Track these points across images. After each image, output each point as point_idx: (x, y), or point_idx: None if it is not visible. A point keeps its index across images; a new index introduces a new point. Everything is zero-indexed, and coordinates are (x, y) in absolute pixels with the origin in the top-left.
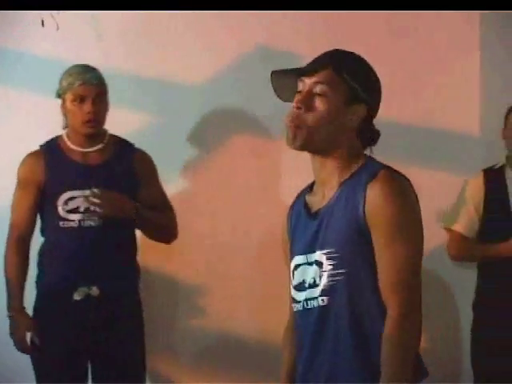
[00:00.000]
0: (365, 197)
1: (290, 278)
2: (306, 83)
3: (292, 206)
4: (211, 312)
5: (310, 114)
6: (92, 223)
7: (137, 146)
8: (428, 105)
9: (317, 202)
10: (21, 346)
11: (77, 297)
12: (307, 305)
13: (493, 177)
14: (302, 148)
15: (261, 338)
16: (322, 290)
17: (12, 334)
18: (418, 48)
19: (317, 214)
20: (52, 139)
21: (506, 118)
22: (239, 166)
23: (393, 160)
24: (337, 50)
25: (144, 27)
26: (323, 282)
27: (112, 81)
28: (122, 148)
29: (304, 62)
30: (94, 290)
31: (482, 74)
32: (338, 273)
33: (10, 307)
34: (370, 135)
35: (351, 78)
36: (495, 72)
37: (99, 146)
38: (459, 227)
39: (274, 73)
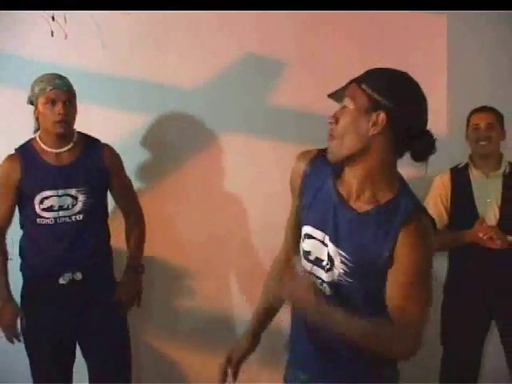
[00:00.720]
0: (396, 239)
1: (295, 226)
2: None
3: (310, 166)
4: (203, 293)
5: (338, 126)
6: (63, 219)
7: (141, 144)
8: None
9: (350, 199)
10: (10, 334)
11: (62, 281)
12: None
13: (458, 174)
14: (335, 159)
15: (248, 316)
16: (328, 283)
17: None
18: (391, 58)
19: (354, 211)
20: (27, 142)
21: (468, 120)
22: (234, 161)
23: None
24: (375, 68)
25: (144, 36)
26: (330, 276)
27: (115, 84)
28: (91, 144)
29: (288, 67)
30: (78, 275)
31: (449, 82)
32: (345, 279)
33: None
34: (414, 149)
35: (370, 88)
36: (461, 80)
37: (69, 146)
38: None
39: (329, 95)
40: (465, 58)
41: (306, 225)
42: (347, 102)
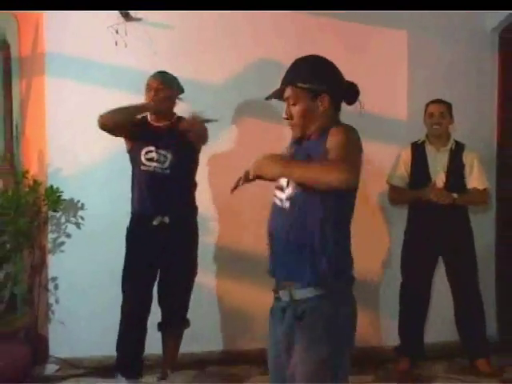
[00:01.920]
0: (326, 137)
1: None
2: (285, 101)
3: (291, 143)
4: (224, 235)
5: (294, 118)
6: (158, 169)
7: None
8: (373, 100)
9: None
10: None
11: (155, 223)
12: (277, 204)
13: (417, 148)
14: (301, 136)
15: (262, 253)
16: (286, 198)
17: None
18: (367, 59)
19: (300, 145)
20: (142, 117)
21: (425, 109)
22: (255, 135)
23: None
24: (294, 63)
25: (184, 44)
26: (288, 193)
27: None
28: (182, 124)
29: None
30: (166, 219)
31: (409, 79)
32: (297, 190)
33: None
34: (348, 99)
35: (305, 82)
36: (418, 77)
37: (166, 123)
38: (395, 182)
39: (267, 98)
40: (422, 63)
41: None
42: (293, 100)
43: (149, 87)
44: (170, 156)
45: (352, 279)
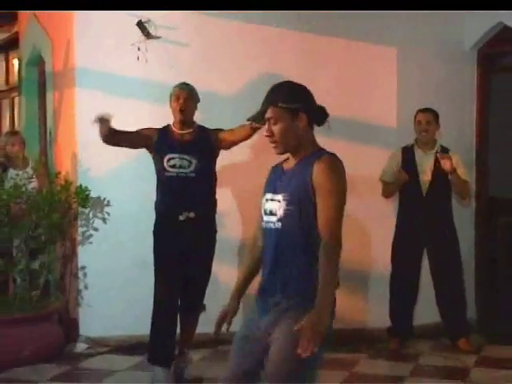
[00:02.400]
0: (312, 170)
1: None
2: (267, 121)
3: (272, 168)
4: (235, 229)
5: (276, 136)
6: (183, 174)
7: None
8: (366, 109)
9: (288, 167)
10: None
11: (181, 218)
12: (269, 225)
13: (407, 151)
14: (282, 153)
15: None
16: (278, 220)
17: None
18: (361, 73)
19: (285, 173)
20: (166, 126)
21: (415, 117)
22: (262, 140)
23: (350, 143)
24: (272, 88)
25: (197, 61)
26: (279, 213)
27: None
28: (204, 131)
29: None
30: (191, 214)
31: (398, 91)
32: (287, 208)
33: None
34: (318, 120)
35: (285, 103)
36: (407, 89)
37: (190, 130)
38: (387, 178)
39: (248, 119)
40: (410, 77)
41: (265, 194)
42: (274, 119)
43: (176, 97)
44: (194, 161)
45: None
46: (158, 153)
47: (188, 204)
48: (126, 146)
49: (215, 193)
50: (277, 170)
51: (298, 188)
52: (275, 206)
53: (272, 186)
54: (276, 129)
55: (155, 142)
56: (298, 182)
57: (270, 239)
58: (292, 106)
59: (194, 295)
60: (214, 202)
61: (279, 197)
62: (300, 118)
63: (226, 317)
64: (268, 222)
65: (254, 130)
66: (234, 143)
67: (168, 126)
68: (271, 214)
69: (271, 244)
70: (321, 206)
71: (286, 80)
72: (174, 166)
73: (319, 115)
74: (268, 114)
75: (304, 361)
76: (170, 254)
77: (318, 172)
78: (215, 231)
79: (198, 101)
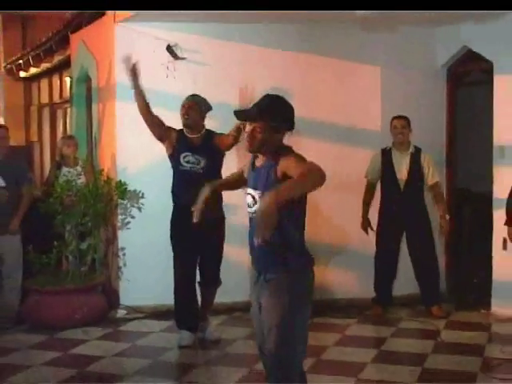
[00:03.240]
0: (278, 164)
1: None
2: (251, 125)
3: (250, 163)
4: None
5: (255, 139)
6: (194, 170)
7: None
8: (355, 117)
9: (258, 164)
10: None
11: (193, 208)
12: (250, 215)
13: (386, 152)
14: (253, 153)
15: None
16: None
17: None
18: (351, 87)
19: (256, 170)
20: (180, 129)
21: (391, 123)
22: None
23: (341, 145)
24: (267, 102)
25: (214, 77)
26: (256, 206)
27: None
28: (210, 135)
29: (294, 97)
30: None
31: (381, 102)
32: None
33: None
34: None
35: (274, 122)
36: (390, 100)
37: (198, 135)
38: (370, 177)
39: (235, 112)
40: (391, 90)
41: (248, 187)
42: (261, 130)
43: (182, 106)
44: (203, 161)
45: (312, 261)
46: (176, 150)
47: (197, 197)
48: (152, 128)
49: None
50: (250, 163)
51: (267, 184)
52: (251, 201)
53: (250, 181)
54: (259, 137)
55: (175, 141)
56: (266, 177)
57: (252, 226)
58: (278, 125)
59: (210, 272)
60: (220, 194)
61: (253, 192)
62: (281, 133)
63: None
64: (249, 213)
65: (238, 133)
66: (231, 145)
67: (183, 129)
68: (250, 207)
69: (251, 230)
70: (293, 172)
71: (278, 96)
72: (188, 162)
73: (292, 127)
74: (256, 124)
75: (293, 323)
76: (185, 240)
77: (284, 163)
78: (223, 217)
79: (207, 110)
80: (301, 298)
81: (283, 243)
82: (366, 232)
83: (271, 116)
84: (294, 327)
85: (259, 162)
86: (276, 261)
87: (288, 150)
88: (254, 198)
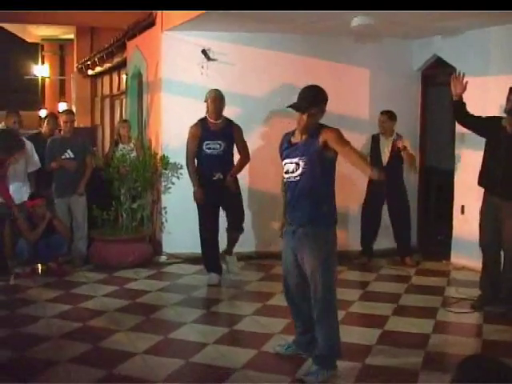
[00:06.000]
0: (319, 137)
1: (282, 167)
2: (301, 114)
3: (283, 138)
4: (253, 181)
5: (305, 123)
6: (215, 153)
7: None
8: (348, 108)
9: (296, 138)
10: (200, 201)
11: (214, 178)
12: (290, 179)
13: (374, 138)
14: (304, 133)
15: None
16: (298, 175)
17: (195, 197)
18: (344, 85)
19: (294, 144)
20: (203, 117)
21: (379, 117)
22: (278, 130)
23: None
24: (307, 96)
25: (239, 74)
26: (298, 171)
27: (229, 95)
28: (229, 123)
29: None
30: (220, 175)
31: (369, 96)
32: (305, 166)
33: (194, 187)
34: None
35: (316, 109)
36: (376, 95)
37: (219, 121)
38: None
39: (289, 106)
40: (377, 87)
41: (283, 160)
42: (307, 116)
43: (212, 99)
44: (223, 144)
45: (335, 221)
46: (200, 140)
47: (218, 170)
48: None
49: (233, 159)
50: (285, 141)
51: (312, 151)
52: (294, 167)
53: (289, 154)
54: (307, 122)
55: (200, 133)
56: (310, 147)
57: (291, 189)
58: (319, 109)
59: (237, 222)
60: (234, 165)
61: (296, 160)
62: (320, 115)
63: (283, 225)
64: (289, 178)
65: (247, 156)
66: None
67: (205, 117)
68: (292, 172)
69: (292, 192)
70: (339, 148)
71: (316, 87)
72: (209, 148)
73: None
74: (305, 114)
75: (328, 266)
76: (208, 204)
77: (324, 134)
78: (237, 181)
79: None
80: (332, 246)
81: (319, 197)
82: None
83: (315, 106)
84: (330, 269)
85: (296, 139)
86: (313, 211)
87: (323, 126)
88: (297, 164)
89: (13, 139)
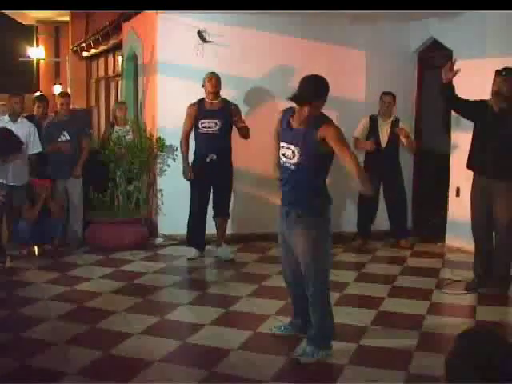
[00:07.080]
0: (318, 131)
1: (279, 147)
2: (303, 107)
3: (282, 116)
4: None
5: (306, 114)
6: (211, 131)
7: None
8: (345, 91)
9: (295, 124)
10: (188, 177)
11: (207, 159)
12: (286, 164)
13: (372, 119)
14: (305, 124)
15: (266, 172)
16: (293, 164)
17: (184, 174)
18: (342, 67)
19: (294, 130)
20: (201, 98)
21: (380, 97)
22: (269, 111)
23: (335, 111)
24: (307, 87)
25: (234, 56)
26: (294, 160)
27: (225, 78)
28: (226, 102)
29: (296, 73)
30: (214, 156)
31: (366, 79)
32: (301, 157)
33: (184, 164)
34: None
35: (318, 100)
36: (372, 77)
37: (216, 101)
38: (357, 135)
39: (289, 98)
40: (374, 70)
41: (281, 141)
42: (309, 106)
43: (209, 79)
44: (219, 123)
45: (331, 200)
46: (196, 119)
47: (213, 150)
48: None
49: (230, 142)
50: (285, 120)
51: (308, 144)
52: (290, 153)
53: (287, 136)
54: (308, 112)
55: (196, 112)
56: (307, 138)
57: (287, 173)
58: (321, 101)
59: (221, 206)
60: (230, 148)
61: (293, 148)
62: (321, 105)
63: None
64: (286, 162)
65: (247, 131)
66: (235, 125)
67: (203, 98)
68: (288, 158)
69: (288, 177)
70: (337, 149)
71: (317, 77)
72: (204, 127)
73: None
74: (305, 105)
75: (321, 249)
76: (200, 182)
77: (324, 130)
78: (231, 166)
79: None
80: (326, 227)
81: (314, 188)
82: None
83: (316, 97)
84: (322, 252)
85: (296, 123)
86: (307, 201)
87: (325, 118)
88: (293, 152)
89: (5, 141)
